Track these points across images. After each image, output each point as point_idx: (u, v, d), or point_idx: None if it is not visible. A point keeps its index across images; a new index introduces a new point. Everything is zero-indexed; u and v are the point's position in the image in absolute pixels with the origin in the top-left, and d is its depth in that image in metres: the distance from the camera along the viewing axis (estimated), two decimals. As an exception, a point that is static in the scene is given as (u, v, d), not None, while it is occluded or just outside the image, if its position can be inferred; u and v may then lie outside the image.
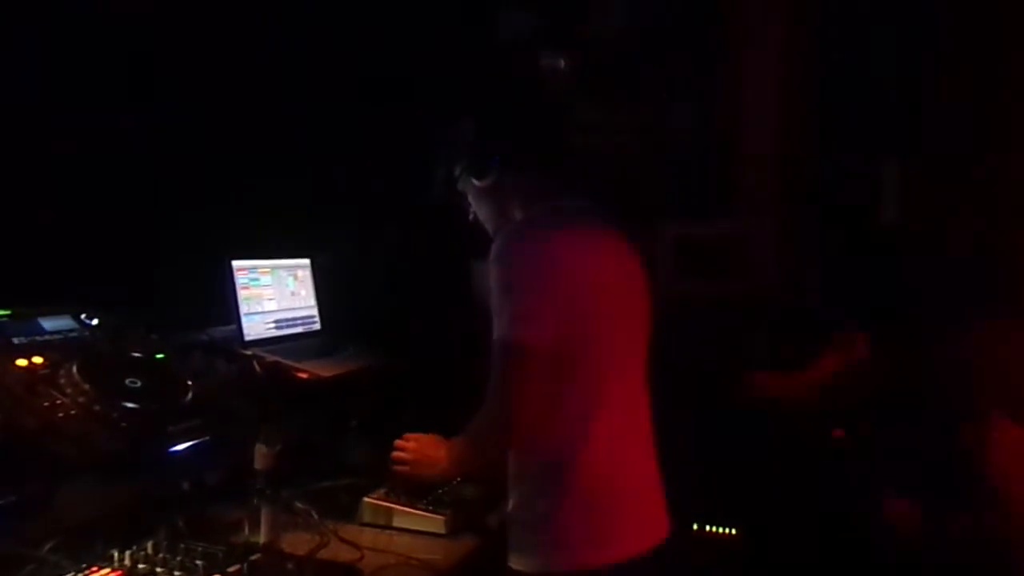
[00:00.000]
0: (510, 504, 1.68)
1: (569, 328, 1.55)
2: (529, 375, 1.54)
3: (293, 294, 2.43)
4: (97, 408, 1.50)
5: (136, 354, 1.72)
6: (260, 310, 2.28)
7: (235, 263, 2.23)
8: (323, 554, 1.71)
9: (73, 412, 1.48)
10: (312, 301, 2.49)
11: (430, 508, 1.89)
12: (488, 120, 1.72)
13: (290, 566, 1.57)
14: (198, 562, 1.49)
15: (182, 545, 1.55)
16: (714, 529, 2.67)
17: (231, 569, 1.48)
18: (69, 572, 1.44)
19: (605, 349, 1.61)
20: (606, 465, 1.61)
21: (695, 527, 2.69)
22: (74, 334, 1.71)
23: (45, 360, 1.56)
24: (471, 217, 1.80)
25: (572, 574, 1.58)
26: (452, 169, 1.76)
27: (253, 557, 1.54)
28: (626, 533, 1.61)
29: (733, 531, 2.66)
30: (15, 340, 1.58)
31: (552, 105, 1.74)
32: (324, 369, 2.19)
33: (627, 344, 1.68)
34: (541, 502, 1.62)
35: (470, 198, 1.78)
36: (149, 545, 1.54)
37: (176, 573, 1.46)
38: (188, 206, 2.25)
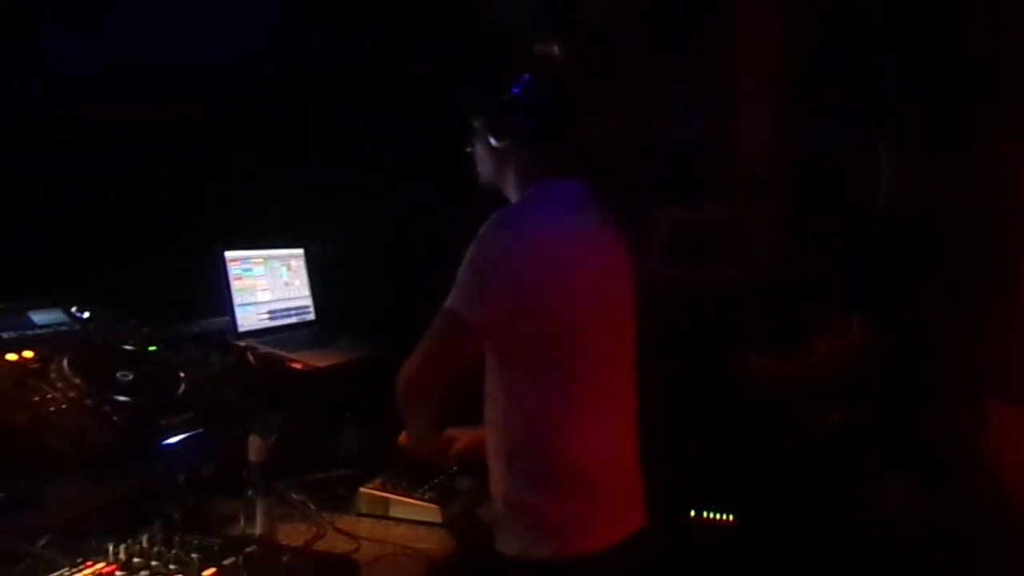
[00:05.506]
0: (491, 487, 1.68)
1: (533, 319, 1.57)
2: (450, 346, 1.62)
3: (287, 284, 2.41)
4: (89, 402, 1.49)
5: (128, 347, 1.71)
6: (253, 301, 2.27)
7: (228, 254, 2.21)
8: (319, 545, 1.71)
9: (64, 406, 1.46)
10: (306, 291, 2.48)
11: (427, 497, 1.88)
12: (527, 86, 1.68)
13: (286, 558, 1.56)
14: (193, 555, 1.47)
15: (177, 538, 1.53)
16: (711, 515, 2.67)
17: (226, 562, 1.47)
18: (64, 567, 1.43)
19: (583, 339, 1.61)
20: (584, 454, 1.61)
21: (691, 513, 2.69)
22: (64, 327, 1.69)
23: (35, 354, 1.54)
24: (480, 180, 1.78)
25: (550, 561, 1.58)
26: (473, 118, 1.73)
27: (249, 549, 1.53)
28: (603, 522, 1.62)
29: (730, 517, 2.67)
30: (4, 334, 1.56)
31: (572, 88, 1.73)
32: (319, 359, 2.18)
33: (610, 335, 1.67)
34: (520, 486, 1.62)
35: (477, 150, 1.76)
36: (144, 539, 1.52)
37: (171, 566, 1.45)
38: (180, 196, 2.23)
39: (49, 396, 1.47)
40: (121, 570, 1.42)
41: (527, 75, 1.66)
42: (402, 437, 1.85)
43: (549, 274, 1.58)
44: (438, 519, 1.85)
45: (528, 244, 1.58)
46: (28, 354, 1.54)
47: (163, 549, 1.49)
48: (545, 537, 1.60)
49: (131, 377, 1.60)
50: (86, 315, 1.75)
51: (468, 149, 1.77)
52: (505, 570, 1.64)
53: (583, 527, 1.60)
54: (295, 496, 1.86)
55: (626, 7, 3.09)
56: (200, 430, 1.65)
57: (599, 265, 1.66)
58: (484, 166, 1.76)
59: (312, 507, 1.84)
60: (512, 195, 1.73)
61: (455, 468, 1.98)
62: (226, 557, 1.48)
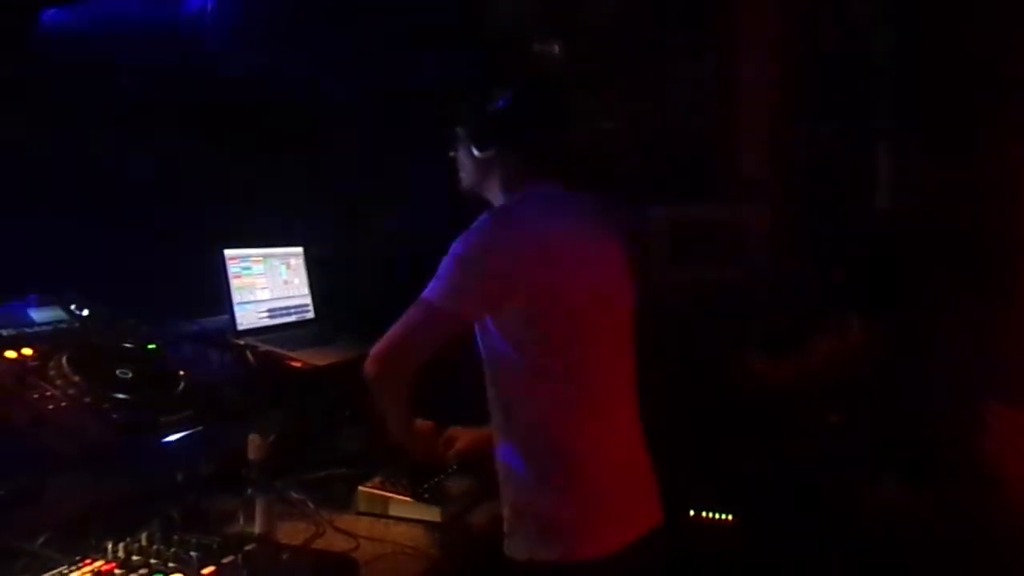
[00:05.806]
0: (500, 491, 1.67)
1: (526, 319, 1.56)
2: (420, 334, 1.60)
3: (286, 283, 2.41)
4: (88, 400, 1.49)
5: (127, 345, 1.70)
6: (253, 299, 2.26)
7: (227, 252, 2.21)
8: (318, 543, 1.71)
9: (64, 404, 1.47)
10: (305, 290, 2.48)
11: (426, 497, 1.88)
12: (512, 98, 1.66)
13: (285, 556, 1.56)
14: (192, 553, 1.47)
15: (176, 536, 1.53)
16: (710, 515, 2.67)
17: (225, 560, 1.47)
18: (62, 565, 1.43)
19: (583, 341, 1.60)
20: (590, 457, 1.61)
21: (691, 513, 2.69)
22: (64, 325, 1.69)
23: (35, 351, 1.54)
24: (462, 185, 1.77)
25: (559, 564, 1.57)
26: (456, 128, 1.72)
27: (248, 547, 1.53)
28: (613, 524, 1.61)
29: (729, 517, 2.66)
30: (3, 331, 1.57)
31: (562, 94, 1.72)
32: (318, 358, 2.18)
33: (611, 337, 1.67)
34: (526, 490, 1.62)
35: (460, 158, 1.75)
36: (143, 536, 1.52)
37: (170, 564, 1.45)
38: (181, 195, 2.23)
39: (48, 394, 1.47)
40: (120, 568, 1.42)
41: (513, 87, 1.65)
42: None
43: (537, 273, 1.56)
44: (437, 518, 1.85)
45: (514, 241, 1.58)
46: (27, 351, 1.54)
47: (162, 547, 1.49)
48: (554, 541, 1.58)
49: (130, 375, 1.60)
50: (85, 312, 1.74)
51: (451, 154, 1.76)
52: (514, 574, 1.63)
53: (591, 529, 1.59)
54: (294, 495, 1.86)
55: (626, 7, 3.09)
56: (199, 428, 1.65)
57: (594, 266, 1.65)
58: (466, 172, 1.74)
59: (311, 506, 1.84)
60: (496, 201, 1.71)
61: (455, 467, 1.98)
62: (225, 555, 1.48)
